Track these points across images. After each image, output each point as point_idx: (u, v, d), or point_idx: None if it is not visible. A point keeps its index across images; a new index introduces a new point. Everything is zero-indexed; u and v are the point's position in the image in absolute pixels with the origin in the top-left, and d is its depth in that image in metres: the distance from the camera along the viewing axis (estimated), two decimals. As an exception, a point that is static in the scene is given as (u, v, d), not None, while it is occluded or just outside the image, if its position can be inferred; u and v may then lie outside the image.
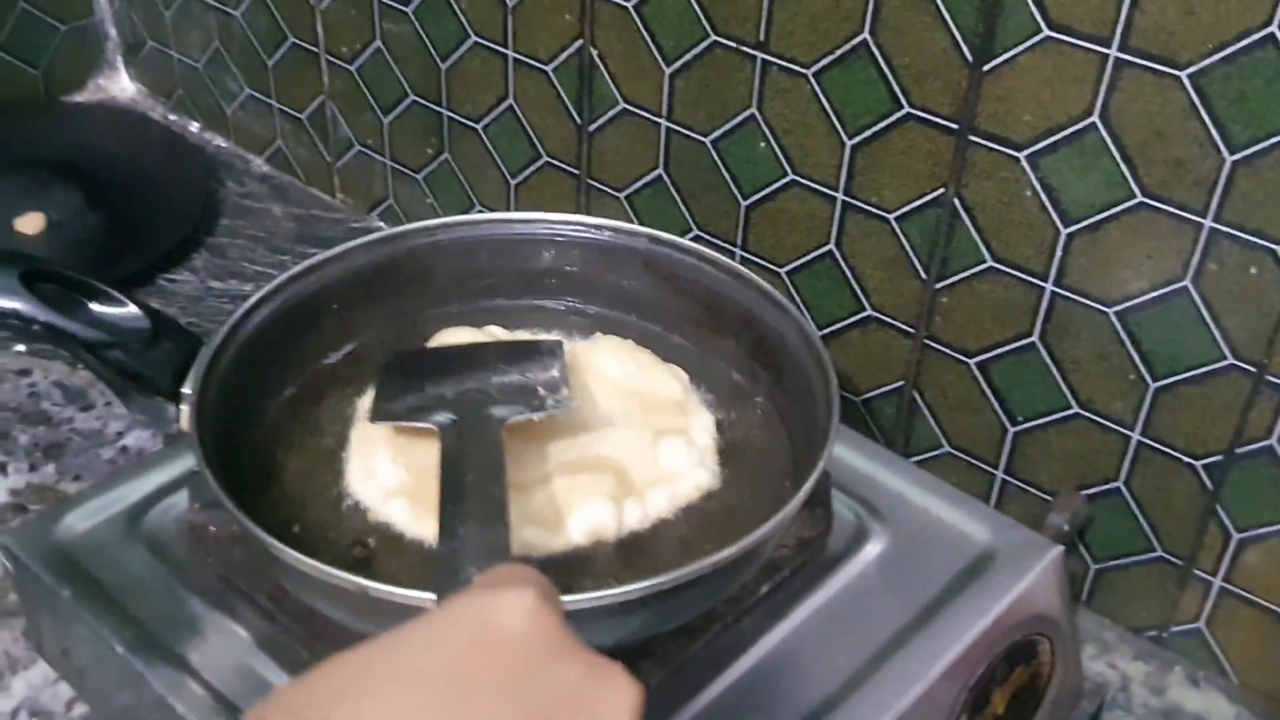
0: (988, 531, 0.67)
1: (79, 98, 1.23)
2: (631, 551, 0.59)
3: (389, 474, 0.61)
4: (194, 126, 1.20)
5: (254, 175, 1.15)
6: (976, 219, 0.73)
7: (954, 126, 0.71)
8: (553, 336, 0.69)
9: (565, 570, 0.57)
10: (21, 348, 0.92)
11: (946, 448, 0.81)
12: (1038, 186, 0.69)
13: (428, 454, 0.58)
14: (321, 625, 0.57)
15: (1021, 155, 0.69)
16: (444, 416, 0.57)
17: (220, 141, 1.19)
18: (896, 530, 0.67)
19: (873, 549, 0.66)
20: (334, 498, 0.61)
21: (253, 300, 0.64)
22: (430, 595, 0.49)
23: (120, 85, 1.25)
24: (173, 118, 1.22)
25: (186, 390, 0.59)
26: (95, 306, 0.60)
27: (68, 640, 0.64)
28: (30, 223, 1.03)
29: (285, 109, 1.11)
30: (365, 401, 0.65)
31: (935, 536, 0.67)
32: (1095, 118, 0.66)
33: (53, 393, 0.89)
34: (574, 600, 0.49)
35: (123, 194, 1.06)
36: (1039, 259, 0.71)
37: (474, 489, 0.51)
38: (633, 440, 0.63)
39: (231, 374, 0.62)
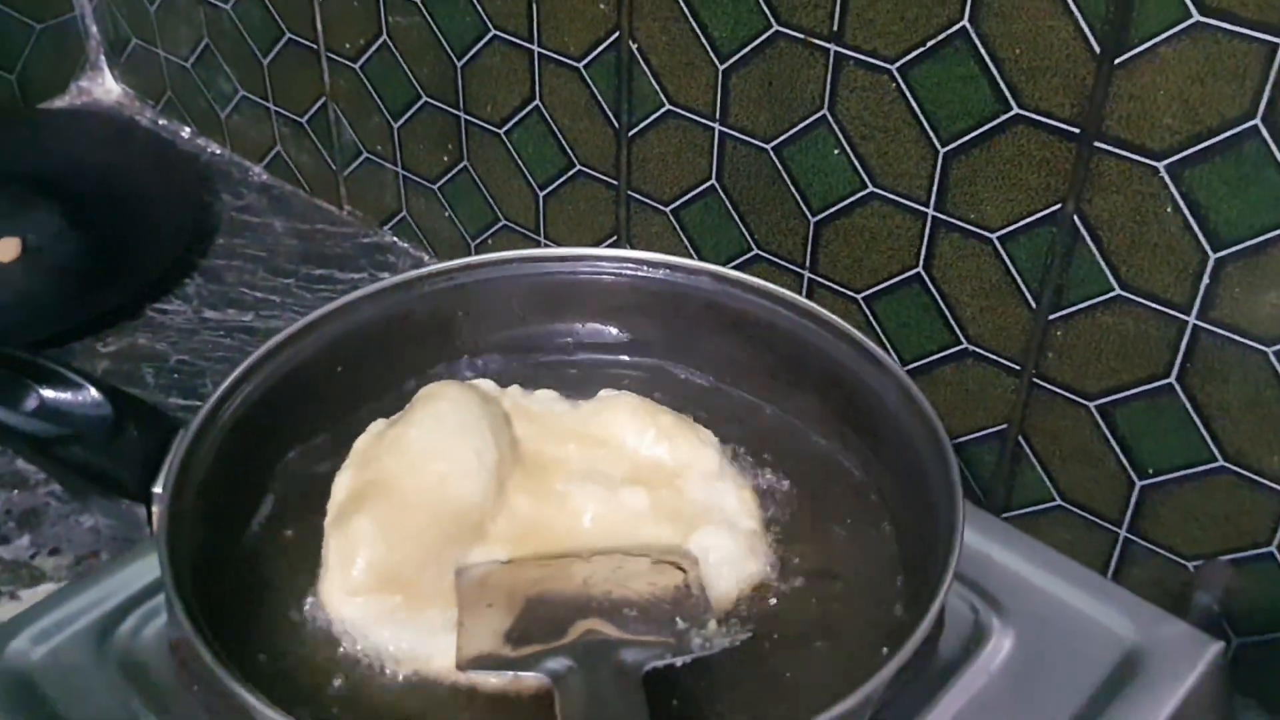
0: (1131, 624, 0.56)
1: (60, 103, 1.13)
2: (687, 685, 0.48)
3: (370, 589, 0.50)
4: (185, 132, 1.10)
5: (252, 186, 1.04)
6: (1101, 240, 0.61)
7: (1076, 131, 0.59)
8: (560, 393, 0.58)
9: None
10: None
11: (1058, 501, 0.69)
12: (1180, 202, 0.57)
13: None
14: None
15: (1161, 165, 0.57)
16: (558, 663, 0.44)
17: (215, 148, 1.08)
18: (1021, 626, 0.55)
19: (995, 652, 0.54)
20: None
21: (238, 372, 0.53)
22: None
23: (104, 88, 1.15)
24: (162, 122, 1.11)
25: (157, 489, 0.48)
26: (46, 392, 0.50)
27: (29, 784, 0.53)
28: (4, 249, 0.94)
29: (283, 112, 0.99)
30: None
31: (1069, 633, 0.55)
32: (1258, 120, 0.54)
33: (28, 450, 0.79)
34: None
35: (108, 212, 0.97)
36: (1180, 288, 0.59)
37: None
38: (660, 539, 0.53)
39: (215, 464, 0.51)
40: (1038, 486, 0.70)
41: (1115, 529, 0.68)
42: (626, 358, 0.61)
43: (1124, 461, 0.66)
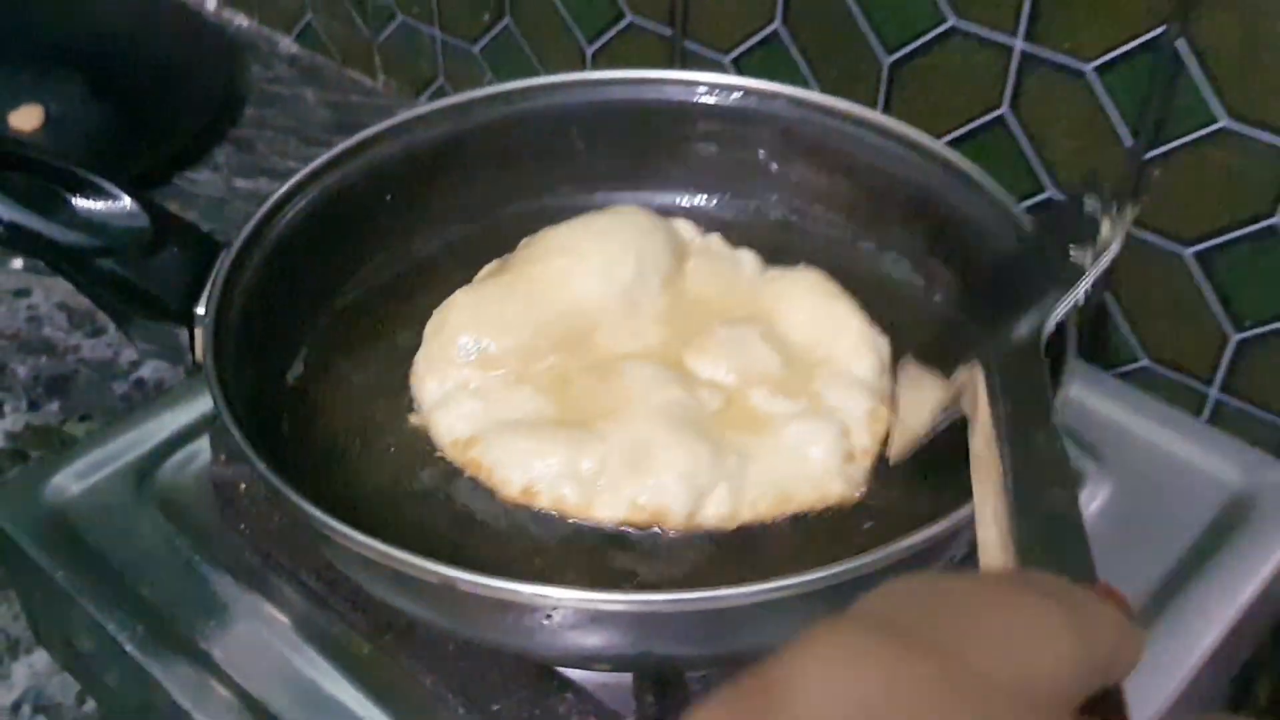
0: (1237, 471, 0.52)
1: (82, -27, 1.07)
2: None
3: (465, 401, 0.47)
4: (211, 4, 1.05)
5: (282, 57, 1.00)
6: (1209, 66, 0.56)
7: (1184, -58, 0.54)
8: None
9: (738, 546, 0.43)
10: (18, 263, 0.78)
11: (1144, 361, 0.65)
12: (1301, 18, 0.53)
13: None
14: (390, 612, 0.43)
15: (1280, -23, 0.52)
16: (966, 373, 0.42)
17: (242, 20, 1.04)
18: (1121, 474, 0.52)
19: (1093, 499, 0.51)
20: (399, 439, 0.47)
21: (283, 190, 0.49)
22: (538, 588, 0.36)
23: (128, -42, 1.09)
24: (189, -7, 1.06)
25: (200, 310, 0.45)
26: (80, 201, 0.46)
27: (67, 628, 0.50)
28: (26, 117, 0.90)
29: (315, -25, 0.95)
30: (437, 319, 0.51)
31: (1172, 480, 0.52)
32: (1393, -81, 0.49)
33: (56, 316, 0.76)
34: (739, 592, 0.36)
35: (133, 82, 0.93)
36: (1295, 115, 0.55)
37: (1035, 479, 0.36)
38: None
39: (259, 287, 0.47)
40: (1123, 347, 0.66)
41: (1205, 389, 0.64)
42: (695, 192, 0.57)
43: (1220, 314, 0.61)
